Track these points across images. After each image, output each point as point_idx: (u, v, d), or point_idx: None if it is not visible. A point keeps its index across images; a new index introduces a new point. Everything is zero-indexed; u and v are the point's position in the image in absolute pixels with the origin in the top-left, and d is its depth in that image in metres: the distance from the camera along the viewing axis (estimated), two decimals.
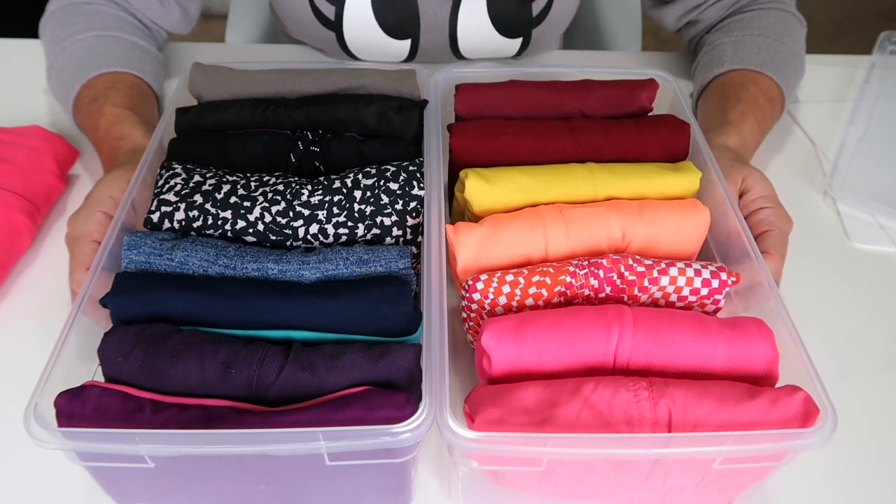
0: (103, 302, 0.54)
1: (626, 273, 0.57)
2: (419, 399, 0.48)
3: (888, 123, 0.92)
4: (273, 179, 0.63)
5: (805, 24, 0.90)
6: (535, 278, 0.56)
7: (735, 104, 0.79)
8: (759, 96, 0.80)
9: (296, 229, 0.60)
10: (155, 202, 0.61)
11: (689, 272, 0.57)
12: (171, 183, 0.62)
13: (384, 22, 0.88)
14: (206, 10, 0.95)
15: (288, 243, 0.60)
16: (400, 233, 0.61)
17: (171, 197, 0.60)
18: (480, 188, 0.62)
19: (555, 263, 0.58)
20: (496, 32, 0.90)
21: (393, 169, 0.63)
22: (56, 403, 0.48)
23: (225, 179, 0.62)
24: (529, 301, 0.57)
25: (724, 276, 0.57)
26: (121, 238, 0.58)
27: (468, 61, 0.95)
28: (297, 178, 0.63)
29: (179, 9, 0.88)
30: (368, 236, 0.61)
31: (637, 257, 0.58)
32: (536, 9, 0.89)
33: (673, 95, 0.77)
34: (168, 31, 0.91)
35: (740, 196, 0.69)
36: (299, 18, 0.91)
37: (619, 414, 0.48)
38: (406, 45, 0.91)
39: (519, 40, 0.92)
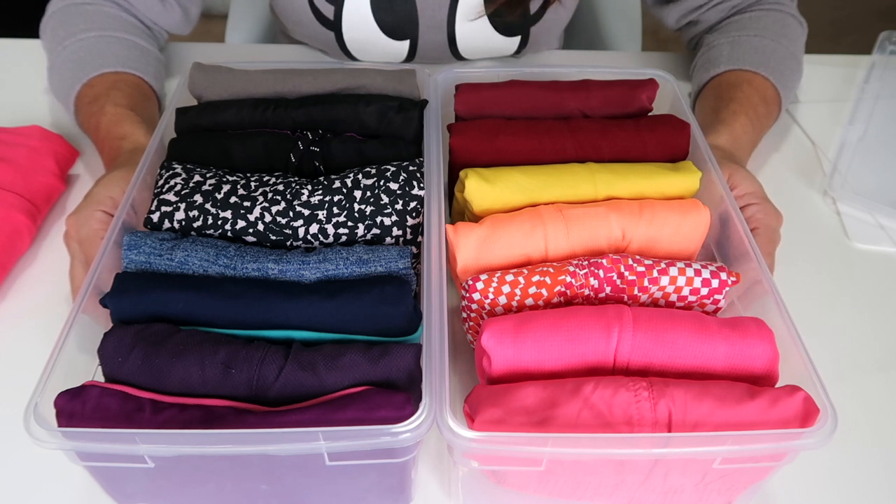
0: (103, 302, 0.54)
1: (626, 273, 0.57)
2: (419, 399, 0.48)
3: (888, 123, 0.92)
4: (273, 179, 0.63)
5: (805, 26, 0.90)
6: (535, 278, 0.56)
7: (727, 104, 0.79)
8: (752, 95, 0.80)
9: (296, 229, 0.60)
10: (155, 202, 0.61)
11: (689, 272, 0.57)
12: (171, 183, 0.62)
13: (383, 22, 0.88)
14: (206, 10, 0.95)
15: (288, 243, 0.60)
16: (400, 233, 0.61)
17: (171, 197, 0.61)
18: (480, 188, 0.62)
19: (555, 263, 0.58)
20: (494, 31, 0.90)
21: (393, 169, 0.63)
22: (56, 403, 0.48)
23: (225, 179, 0.62)
24: (529, 301, 0.57)
25: (724, 276, 0.57)
26: (121, 238, 0.58)
27: (468, 61, 0.95)
28: (297, 178, 0.63)
29: (181, 9, 0.88)
30: (368, 236, 0.61)
31: (637, 257, 0.58)
32: (534, 7, 0.89)
33: (673, 95, 0.77)
34: (169, 32, 0.91)
35: None
36: (299, 19, 0.91)
37: (619, 414, 0.48)
38: (405, 45, 0.91)
39: (517, 39, 0.92)
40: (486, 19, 0.89)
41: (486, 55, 0.95)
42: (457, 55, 0.93)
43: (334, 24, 0.89)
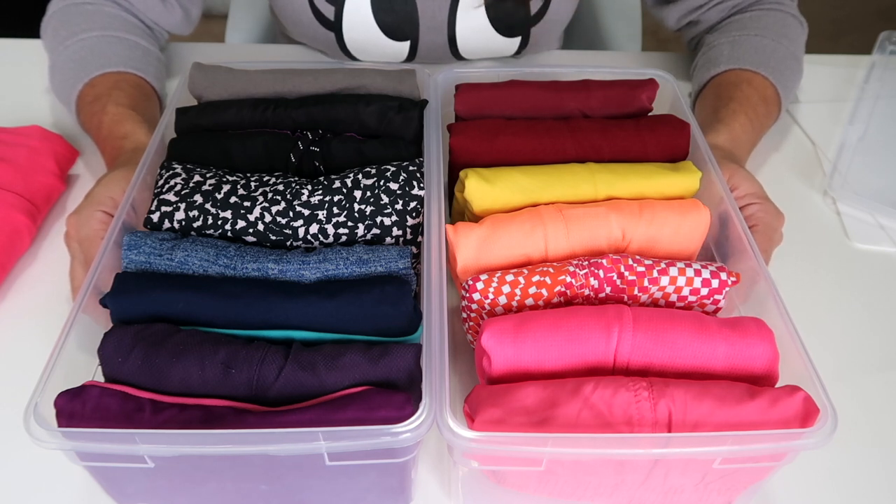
0: (103, 302, 0.54)
1: (626, 273, 0.57)
2: (419, 399, 0.48)
3: (888, 123, 0.92)
4: (273, 179, 0.63)
5: (806, 26, 0.90)
6: (535, 278, 0.56)
7: (727, 103, 0.79)
8: (751, 95, 0.80)
9: (296, 229, 0.60)
10: (155, 202, 0.61)
11: (689, 272, 0.57)
12: (171, 183, 0.62)
13: (383, 23, 0.88)
14: (206, 10, 0.95)
15: (288, 243, 0.60)
16: (400, 233, 0.61)
17: (171, 197, 0.61)
18: (480, 188, 0.62)
19: (555, 263, 0.58)
20: (495, 32, 0.90)
21: (393, 169, 0.63)
22: (56, 403, 0.48)
23: (225, 179, 0.62)
24: (529, 301, 0.57)
25: (724, 276, 0.57)
26: (121, 238, 0.58)
27: (468, 62, 0.95)
28: (297, 178, 0.63)
29: (181, 10, 0.89)
30: (368, 236, 0.61)
31: (637, 257, 0.58)
32: (534, 7, 0.89)
33: (673, 95, 0.77)
34: (169, 32, 0.91)
35: None
36: (299, 19, 0.91)
37: (619, 414, 0.48)
38: (405, 46, 0.91)
39: (518, 39, 0.92)
40: (486, 20, 0.89)
41: (487, 56, 0.95)
42: (457, 56, 0.93)
43: (334, 25, 0.89)
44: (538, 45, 0.96)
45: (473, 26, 0.89)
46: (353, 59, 0.93)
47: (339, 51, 0.92)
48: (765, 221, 0.66)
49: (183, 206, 0.60)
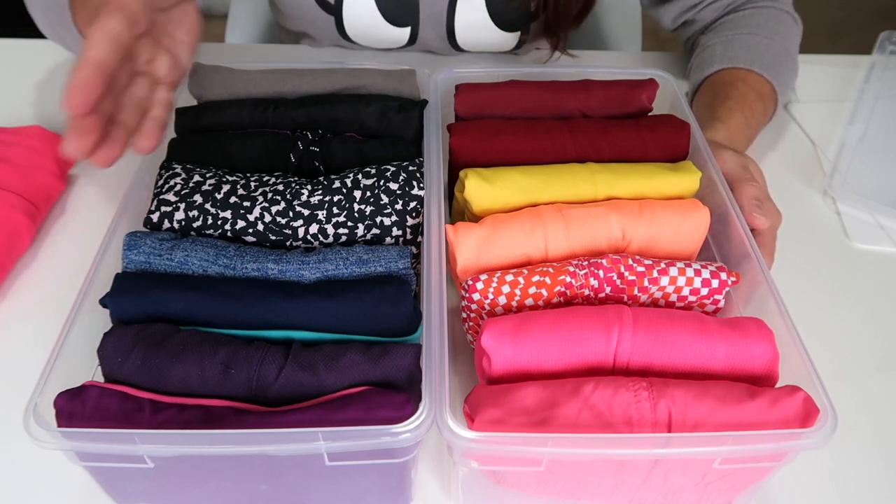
0: (103, 302, 0.54)
1: (626, 273, 0.57)
2: (419, 399, 0.48)
3: (888, 123, 0.92)
4: (273, 179, 0.63)
5: (800, 23, 0.90)
6: (535, 278, 0.56)
7: (723, 101, 0.80)
8: (747, 92, 0.81)
9: (295, 229, 0.60)
10: (155, 202, 0.61)
11: (689, 272, 0.57)
12: (171, 183, 0.62)
13: (384, 8, 0.88)
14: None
15: (288, 243, 0.60)
16: (400, 233, 0.61)
17: (170, 197, 0.61)
18: (480, 188, 0.62)
19: (555, 263, 0.58)
20: (494, 26, 0.90)
21: (393, 169, 0.63)
22: (56, 403, 0.48)
23: (225, 179, 0.62)
24: (529, 301, 0.57)
25: (724, 276, 0.57)
26: (121, 238, 0.58)
27: (468, 60, 0.95)
28: (296, 178, 0.63)
29: None
30: (368, 236, 0.61)
31: (637, 257, 0.58)
32: (535, 4, 0.89)
33: (673, 95, 0.77)
34: None
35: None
36: (300, 4, 0.91)
37: (619, 414, 0.48)
38: (405, 32, 0.91)
39: (517, 34, 0.92)
40: (485, 14, 0.89)
41: (485, 49, 0.95)
42: (455, 46, 0.94)
43: (335, 9, 0.89)
44: (538, 41, 0.96)
45: (472, 20, 0.90)
46: (353, 43, 0.93)
47: (339, 36, 0.92)
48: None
49: (183, 206, 0.60)
